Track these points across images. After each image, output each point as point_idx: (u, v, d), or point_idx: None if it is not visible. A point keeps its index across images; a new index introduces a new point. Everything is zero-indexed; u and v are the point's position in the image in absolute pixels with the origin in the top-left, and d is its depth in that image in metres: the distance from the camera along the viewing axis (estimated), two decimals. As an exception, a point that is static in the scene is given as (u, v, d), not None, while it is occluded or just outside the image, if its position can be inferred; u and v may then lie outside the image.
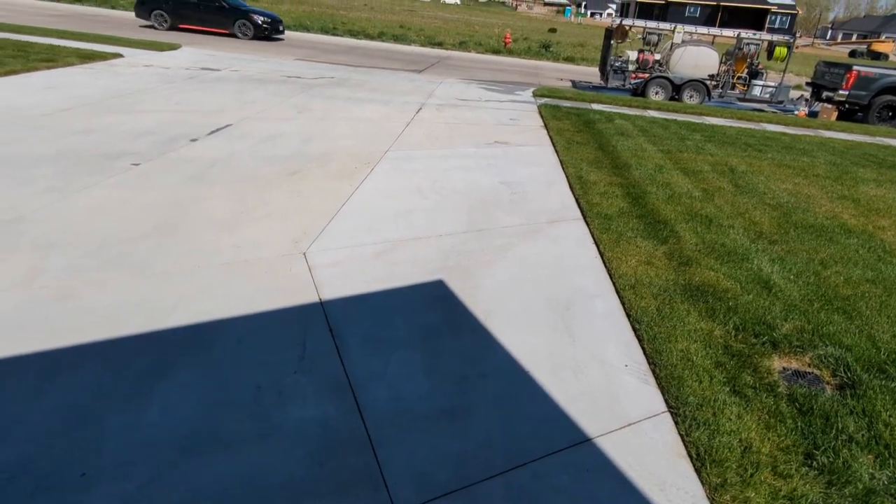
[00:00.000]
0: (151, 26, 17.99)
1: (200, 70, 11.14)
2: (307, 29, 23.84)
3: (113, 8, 23.61)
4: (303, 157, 6.17)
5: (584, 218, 5.24)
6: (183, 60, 12.11)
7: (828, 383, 3.20)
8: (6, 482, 2.08)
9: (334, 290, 3.58)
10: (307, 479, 2.24)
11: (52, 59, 9.95)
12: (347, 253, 4.10)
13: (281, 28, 19.02)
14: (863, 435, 2.78)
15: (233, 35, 18.02)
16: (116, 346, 2.86)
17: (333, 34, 23.51)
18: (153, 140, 6.18)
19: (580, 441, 2.60)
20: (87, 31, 14.51)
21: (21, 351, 2.75)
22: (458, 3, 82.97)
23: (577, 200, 5.69)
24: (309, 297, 3.47)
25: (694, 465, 2.53)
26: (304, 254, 4.01)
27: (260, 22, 18.21)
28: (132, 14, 21.83)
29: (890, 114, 13.93)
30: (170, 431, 2.39)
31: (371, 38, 23.66)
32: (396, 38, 24.08)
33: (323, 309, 3.36)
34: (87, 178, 4.95)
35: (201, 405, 2.54)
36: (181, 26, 18.03)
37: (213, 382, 2.69)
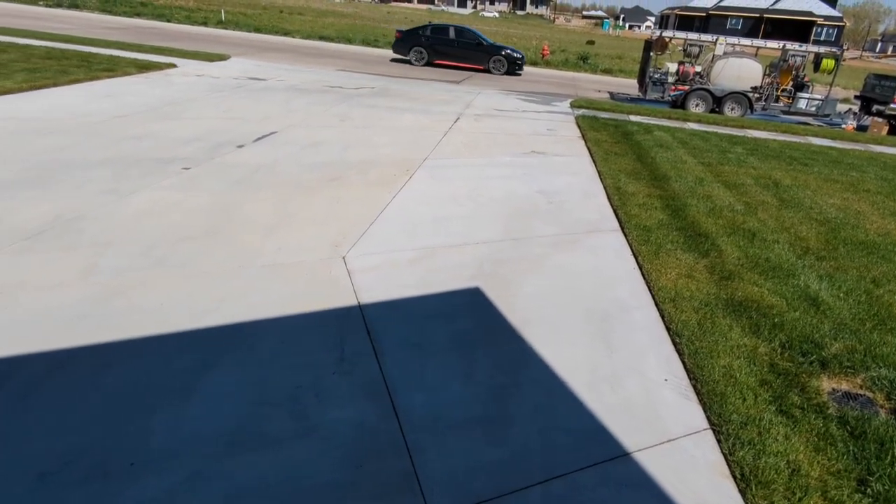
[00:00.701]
0: (407, 61, 18.88)
1: (248, 80, 11.52)
2: (350, 41, 24.40)
3: (168, 21, 24.71)
4: (343, 164, 6.31)
5: (623, 229, 5.17)
6: (232, 70, 12.56)
7: (882, 407, 3.06)
8: (63, 468, 2.18)
9: (372, 294, 3.63)
10: (344, 481, 2.26)
11: (112, 68, 10.49)
12: (385, 258, 4.15)
13: (522, 63, 19.52)
14: (921, 462, 2.64)
15: (487, 70, 18.66)
16: (164, 343, 2.97)
17: (374, 46, 23.98)
18: (202, 146, 6.42)
19: (618, 455, 2.55)
20: (144, 43, 15.22)
21: (78, 343, 2.89)
22: (497, 16, 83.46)
23: (614, 211, 5.62)
24: (348, 301, 3.53)
25: (738, 486, 2.45)
26: (344, 258, 4.09)
27: (517, 57, 18.85)
28: (187, 26, 22.87)
29: None
30: (213, 427, 2.46)
31: (410, 49, 23.99)
32: (435, 50, 24.36)
33: (361, 312, 3.42)
34: (141, 180, 5.17)
35: (243, 402, 2.61)
36: (436, 62, 18.90)
37: (255, 380, 2.76)
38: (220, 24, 25.07)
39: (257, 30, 24.65)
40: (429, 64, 18.88)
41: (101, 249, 3.85)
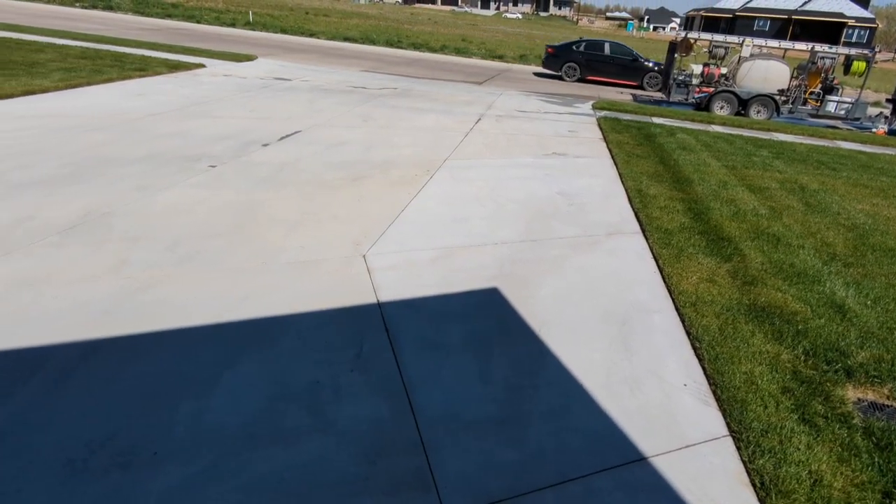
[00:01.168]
0: (558, 77, 18.96)
1: (274, 80, 11.71)
2: (373, 42, 24.60)
3: (198, 22, 25.22)
4: (366, 163, 6.37)
5: (644, 232, 5.13)
6: (258, 71, 12.78)
7: (909, 418, 2.98)
8: (89, 455, 2.26)
9: (392, 292, 3.67)
10: (360, 477, 2.29)
11: (143, 68, 10.79)
12: (406, 257, 4.19)
13: None
14: (949, 476, 2.58)
15: (640, 87, 18.54)
16: (189, 336, 3.05)
17: (398, 47, 24.14)
18: (229, 144, 6.56)
19: (635, 459, 2.54)
20: (174, 44, 15.58)
21: (106, 335, 2.98)
22: (520, 17, 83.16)
23: (636, 214, 5.58)
24: (367, 299, 3.57)
25: (758, 495, 2.42)
26: (364, 256, 4.14)
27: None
28: (216, 27, 23.34)
29: None
30: (234, 419, 2.52)
31: (433, 50, 24.11)
32: (458, 51, 24.43)
33: (380, 310, 3.45)
34: (171, 177, 5.31)
35: (263, 396, 2.67)
36: (589, 78, 18.75)
37: (275, 375, 2.82)
38: (247, 25, 25.53)
39: (283, 31, 25.02)
40: (581, 80, 18.70)
41: (130, 245, 3.97)
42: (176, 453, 2.31)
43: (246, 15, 29.09)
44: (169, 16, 26.16)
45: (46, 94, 8.22)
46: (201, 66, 12.30)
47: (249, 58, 14.61)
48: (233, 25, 25.13)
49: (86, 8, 26.01)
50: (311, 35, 24.82)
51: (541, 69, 20.39)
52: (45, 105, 7.64)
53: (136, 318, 3.13)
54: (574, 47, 18.74)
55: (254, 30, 24.61)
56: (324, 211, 4.91)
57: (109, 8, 26.64)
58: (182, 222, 4.40)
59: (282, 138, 7.08)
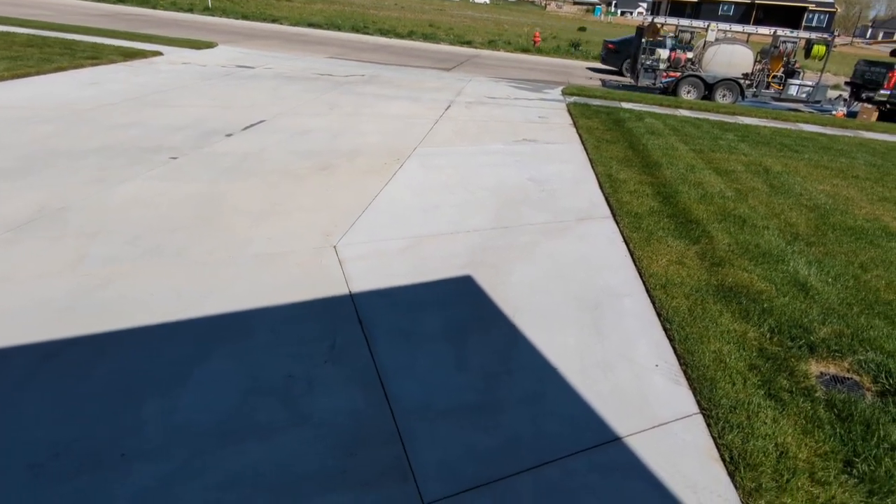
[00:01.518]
0: (616, 72, 17.95)
1: (236, 67, 11.37)
2: (338, 28, 24.11)
3: (153, 8, 24.27)
4: (334, 152, 6.25)
5: (614, 216, 5.18)
6: (219, 58, 12.38)
7: (868, 389, 3.10)
8: (52, 459, 2.17)
9: (364, 283, 3.62)
10: (337, 469, 2.26)
11: (96, 56, 10.31)
12: (377, 247, 4.14)
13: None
14: (906, 443, 2.69)
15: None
16: (155, 333, 2.95)
17: (364, 33, 23.72)
18: (190, 134, 6.34)
19: (610, 440, 2.58)
20: (128, 31, 14.95)
21: (68, 334, 2.86)
22: (488, 2, 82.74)
23: (606, 198, 5.63)
24: (339, 290, 3.52)
25: (727, 469, 2.48)
26: (335, 247, 4.06)
27: None
28: (172, 13, 22.48)
29: None
30: (205, 416, 2.45)
31: (401, 36, 23.78)
32: (426, 37, 24.15)
33: (353, 301, 3.40)
34: (129, 169, 5.10)
35: (235, 392, 2.60)
36: None
37: (247, 370, 2.75)
38: (206, 10, 24.66)
39: (245, 17, 24.26)
40: None
41: (88, 240, 3.80)
42: (147, 453, 2.24)
43: (204, 0, 28.11)
44: (122, 1, 25.03)
45: (-8, 83, 7.80)
46: (158, 53, 11.85)
47: (209, 45, 14.13)
48: (190, 11, 24.26)
49: (32, -7, 24.71)
50: (274, 21, 24.17)
51: (597, 64, 19.83)
52: (-9, 95, 7.24)
53: (99, 316, 3.01)
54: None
55: (213, 15, 23.79)
56: (291, 201, 4.80)
57: (58, -8, 25.33)
58: (142, 216, 4.24)
59: (246, 127, 6.89)
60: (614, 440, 2.58)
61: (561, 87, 13.22)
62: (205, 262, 3.68)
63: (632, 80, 15.19)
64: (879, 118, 13.73)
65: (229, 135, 6.50)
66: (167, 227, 4.10)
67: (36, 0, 21.77)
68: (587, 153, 7.31)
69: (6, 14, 15.51)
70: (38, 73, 8.61)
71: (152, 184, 4.86)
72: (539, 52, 23.67)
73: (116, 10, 21.91)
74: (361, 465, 2.30)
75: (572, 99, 11.61)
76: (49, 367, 2.64)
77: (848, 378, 3.18)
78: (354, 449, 2.37)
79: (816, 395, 2.97)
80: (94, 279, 3.35)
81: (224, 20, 22.86)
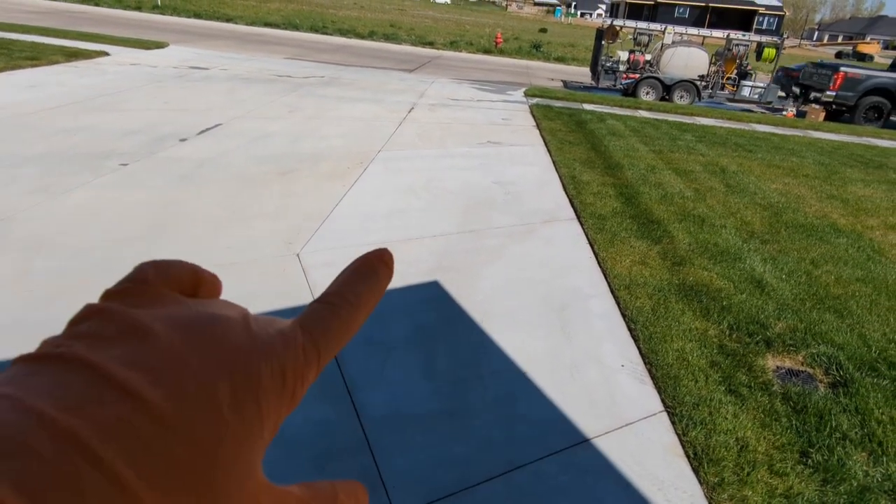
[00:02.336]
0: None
1: (189, 69, 11.02)
2: (296, 28, 23.71)
3: (97, 5, 23.28)
4: (294, 156, 6.12)
5: (578, 218, 5.25)
6: (171, 59, 11.98)
7: (821, 382, 3.23)
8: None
9: (328, 291, 3.54)
10: (304, 484, 2.20)
11: (35, 57, 9.78)
12: (342, 254, 4.06)
13: None
14: (856, 433, 2.81)
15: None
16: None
17: (323, 33, 23.40)
18: (141, 139, 6.10)
19: (579, 441, 2.59)
20: (70, 29, 14.30)
21: (15, 351, 2.69)
22: (449, 2, 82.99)
23: (570, 200, 5.69)
24: (304, 299, 3.43)
25: (691, 465, 2.53)
26: (298, 255, 3.97)
27: None
28: (118, 11, 21.65)
29: (876, 114, 14.11)
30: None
31: (361, 37, 23.57)
32: (387, 38, 24.01)
33: (317, 310, 3.33)
34: (75, 177, 4.86)
35: (195, 409, 2.50)
36: None
37: (207, 386, 2.65)
38: (155, 8, 23.82)
39: (197, 15, 23.54)
40: None
41: (32, 253, 3.60)
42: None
43: (156, -2, 27.18)
44: (63, -2, 23.94)
45: (-75, 86, 7.33)
46: (104, 53, 11.36)
47: (160, 45, 13.65)
48: (138, 9, 23.38)
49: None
50: (228, 20, 23.55)
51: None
52: (-77, 99, 6.80)
53: (49, 331, 2.83)
54: None
55: (163, 14, 22.98)
56: (251, 208, 4.67)
57: (-8, -11, 24.01)
58: (91, 226, 4.05)
59: (201, 132, 6.67)
60: (583, 441, 2.60)
61: (523, 89, 13.35)
62: (160, 274, 3.53)
63: (592, 82, 15.48)
64: (826, 118, 14.39)
65: (184, 139, 6.28)
66: (119, 238, 3.92)
67: (-28, -3, 20.63)
68: (551, 155, 7.39)
69: (-60, 11, 14.62)
70: (-30, 76, 8.14)
71: (101, 192, 4.64)
72: (501, 53, 23.87)
73: (57, 7, 20.93)
74: (332, 477, 2.24)
75: (535, 100, 11.73)
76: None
77: (802, 371, 3.30)
78: (324, 462, 2.32)
79: (773, 388, 3.07)
80: (39, 295, 3.17)
81: (175, 19, 22.14)
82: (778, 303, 3.99)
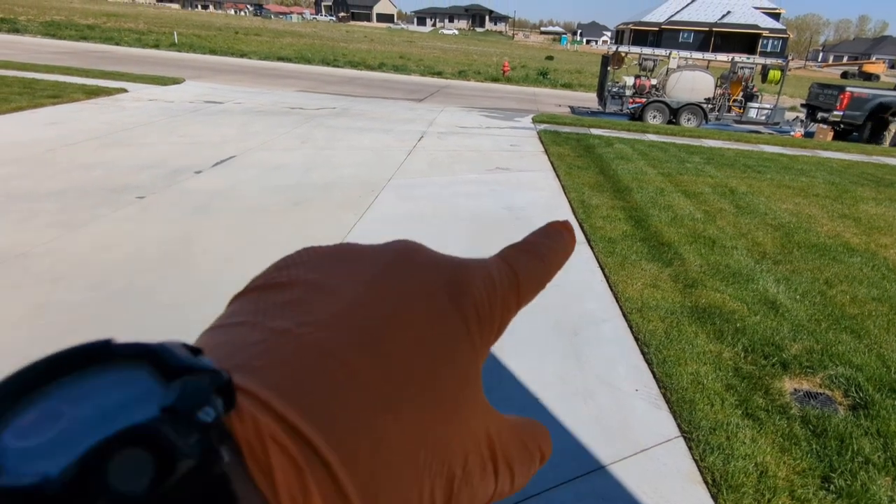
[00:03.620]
0: None
1: (204, 103, 11.33)
2: (308, 61, 24.35)
3: (117, 45, 24.14)
4: (307, 186, 6.23)
5: (588, 242, 5.25)
6: (186, 94, 12.34)
7: (840, 404, 3.16)
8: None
9: (340, 318, 3.56)
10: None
11: (57, 95, 10.14)
12: (352, 281, 4.09)
13: None
14: (879, 456, 2.73)
15: None
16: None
17: (335, 65, 23.98)
18: (158, 173, 6.25)
19: (594, 469, 2.55)
20: (92, 68, 14.82)
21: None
22: (456, 33, 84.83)
23: (580, 224, 5.71)
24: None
25: (710, 492, 2.48)
26: (309, 283, 4.01)
27: None
28: (138, 49, 22.41)
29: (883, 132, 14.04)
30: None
31: (371, 68, 24.12)
32: (396, 69, 24.55)
33: (329, 338, 3.34)
34: (93, 211, 4.99)
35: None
36: None
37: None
38: (172, 46, 24.63)
39: (212, 51, 24.32)
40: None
41: (50, 287, 3.68)
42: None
43: (170, 35, 28.12)
44: (84, 38, 24.83)
45: (-50, 126, 7.60)
46: (123, 90, 11.74)
47: (176, 80, 14.08)
48: (156, 47, 24.20)
49: (-10, 32, 24.39)
50: (243, 55, 24.27)
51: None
52: (-51, 138, 7.05)
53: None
54: None
55: (180, 51, 23.76)
56: (264, 238, 4.74)
57: (15, 30, 24.89)
58: (108, 259, 4.13)
59: (216, 164, 6.83)
60: (598, 469, 2.56)
61: (531, 115, 13.52)
62: (174, 305, 3.59)
63: (599, 107, 15.64)
64: (834, 137, 14.37)
65: (199, 172, 6.44)
66: (134, 270, 3.99)
67: (-1, 40, 21.52)
68: (559, 180, 7.44)
69: (-33, 55, 15.25)
70: (-5, 114, 8.43)
71: (118, 225, 4.75)
72: (508, 81, 24.26)
73: (79, 48, 21.73)
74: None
75: (542, 126, 11.87)
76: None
77: (821, 393, 3.24)
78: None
79: (792, 412, 3.01)
80: (58, 327, 3.23)
81: (191, 55, 22.86)
82: (793, 324, 3.94)
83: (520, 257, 0.26)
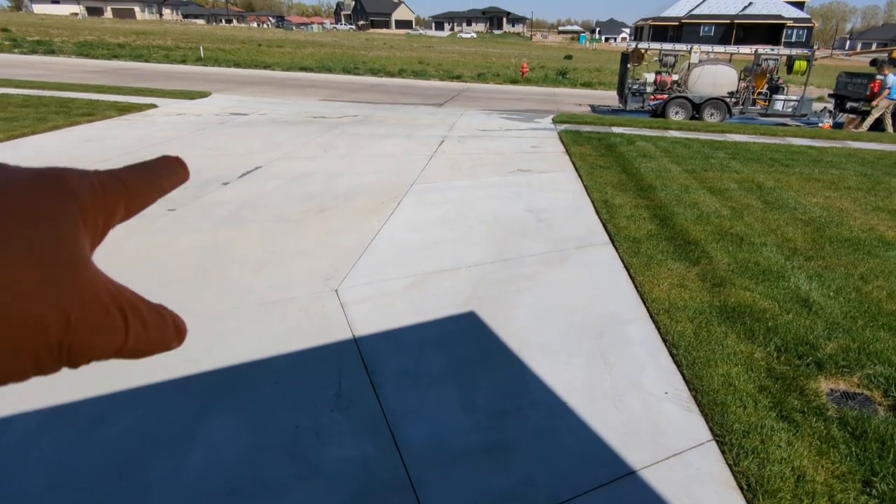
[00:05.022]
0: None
1: (230, 115, 11.59)
2: (330, 70, 24.67)
3: (147, 61, 24.85)
4: (330, 194, 6.32)
5: (613, 242, 5.21)
6: (213, 107, 12.63)
7: (880, 404, 3.07)
8: (59, 528, 2.13)
9: (367, 326, 3.62)
10: (349, 520, 2.23)
11: (91, 112, 10.50)
12: (378, 288, 4.15)
13: None
14: (923, 459, 2.65)
15: None
16: (157, 391, 2.93)
17: (355, 74, 24.25)
18: (187, 185, 6.42)
19: (625, 474, 2.54)
20: (123, 85, 15.29)
21: (68, 398, 2.84)
22: (474, 36, 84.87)
23: (603, 225, 5.67)
24: (342, 335, 3.51)
25: (745, 497, 2.44)
26: (336, 291, 4.07)
27: None
28: (165, 65, 23.03)
29: None
30: (212, 476, 2.42)
31: (391, 75, 24.31)
32: (416, 74, 24.70)
33: (357, 345, 3.39)
34: (127, 225, 5.12)
35: (242, 448, 2.57)
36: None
37: (253, 425, 2.72)
38: (198, 61, 25.27)
39: (237, 64, 24.86)
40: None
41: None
42: (151, 518, 2.20)
43: (196, 51, 28.84)
44: (115, 56, 25.67)
45: (-9, 146, 7.94)
46: (153, 106, 12.09)
47: (203, 94, 14.43)
48: (183, 62, 24.85)
49: (25, 54, 25.34)
50: (266, 67, 24.74)
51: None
52: (-8, 158, 7.34)
53: (97, 378, 2.99)
54: None
55: (206, 65, 24.37)
56: (290, 247, 4.83)
57: (51, 52, 25.95)
58: (141, 270, 4.27)
59: (242, 175, 6.99)
60: (629, 474, 2.54)
61: (551, 116, 13.45)
62: (205, 314, 3.68)
63: (620, 105, 15.48)
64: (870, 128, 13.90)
65: (226, 183, 6.59)
66: (166, 280, 4.11)
67: (29, 60, 22.36)
68: (581, 180, 7.39)
69: (1, 76, 15.88)
70: (33, 133, 8.76)
71: (151, 237, 4.90)
72: (528, 82, 24.17)
73: (110, 66, 22.43)
74: None
75: (563, 126, 11.80)
76: (49, 432, 2.61)
77: (858, 394, 3.15)
78: (366, 500, 2.34)
79: (829, 413, 2.94)
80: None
81: (217, 69, 23.40)
82: (827, 322, 3.84)
83: (134, 175, 0.32)
